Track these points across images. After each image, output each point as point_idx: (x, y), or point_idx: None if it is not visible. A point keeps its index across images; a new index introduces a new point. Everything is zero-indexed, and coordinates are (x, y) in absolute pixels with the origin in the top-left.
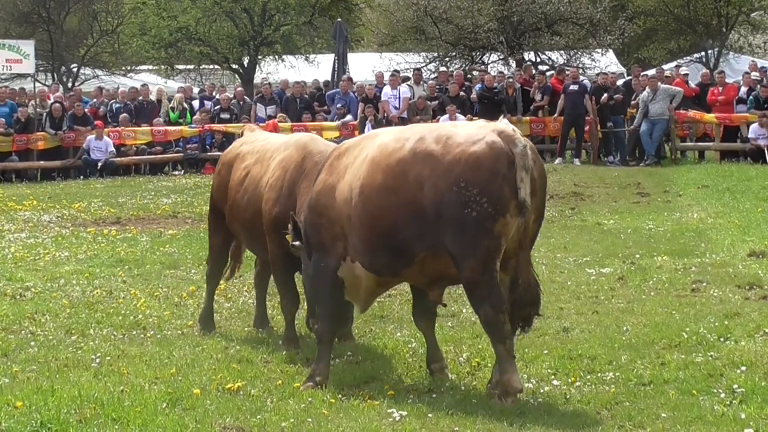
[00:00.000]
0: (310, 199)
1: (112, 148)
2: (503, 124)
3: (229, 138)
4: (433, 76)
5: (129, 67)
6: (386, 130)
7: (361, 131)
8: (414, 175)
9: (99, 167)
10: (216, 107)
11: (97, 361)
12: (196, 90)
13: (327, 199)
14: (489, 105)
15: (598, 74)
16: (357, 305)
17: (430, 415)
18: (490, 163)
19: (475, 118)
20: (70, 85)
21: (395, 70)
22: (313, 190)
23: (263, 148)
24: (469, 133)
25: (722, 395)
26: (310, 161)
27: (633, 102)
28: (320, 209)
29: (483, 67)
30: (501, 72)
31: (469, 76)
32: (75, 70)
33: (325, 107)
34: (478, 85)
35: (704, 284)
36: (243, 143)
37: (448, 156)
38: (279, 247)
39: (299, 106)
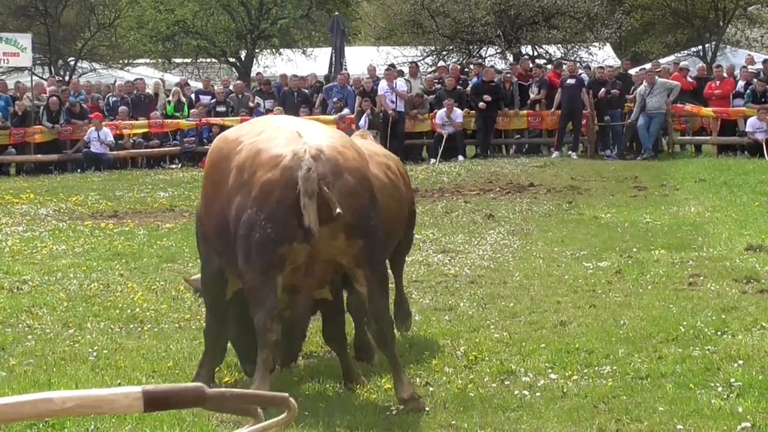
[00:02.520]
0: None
1: (111, 139)
2: (309, 143)
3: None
4: (430, 70)
5: (126, 61)
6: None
7: (358, 125)
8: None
9: (101, 158)
10: (212, 100)
11: (94, 354)
12: (194, 84)
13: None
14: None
15: (596, 68)
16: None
17: (427, 408)
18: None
19: (472, 112)
20: (67, 78)
21: (391, 64)
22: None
23: None
24: (273, 155)
25: (719, 389)
26: None
27: (630, 96)
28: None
29: (480, 61)
30: (492, 66)
31: (466, 69)
32: (72, 63)
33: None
34: (474, 79)
35: (701, 278)
36: None
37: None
38: None
39: (296, 99)
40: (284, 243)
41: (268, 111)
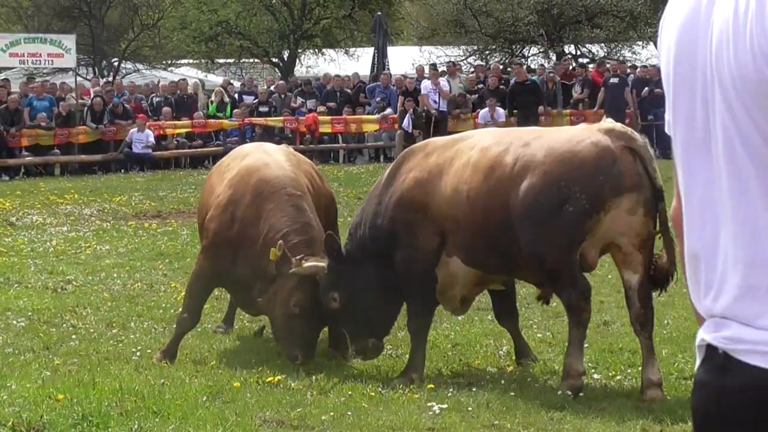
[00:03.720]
0: (399, 197)
1: (152, 140)
2: (609, 122)
3: (268, 131)
4: (472, 70)
5: (169, 61)
6: (482, 132)
7: (401, 125)
8: (520, 183)
9: (139, 158)
10: (255, 100)
11: (138, 354)
12: (237, 84)
13: (422, 197)
14: (525, 97)
15: (640, 67)
16: (448, 306)
17: (470, 408)
18: (593, 162)
19: (515, 111)
20: (110, 79)
21: (432, 64)
22: (398, 188)
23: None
24: (572, 135)
25: None
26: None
27: None
28: (415, 205)
29: (521, 60)
30: (542, 65)
31: (508, 69)
32: (116, 64)
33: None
34: (514, 78)
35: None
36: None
37: (550, 158)
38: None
39: (339, 99)
40: (594, 214)
41: (311, 111)
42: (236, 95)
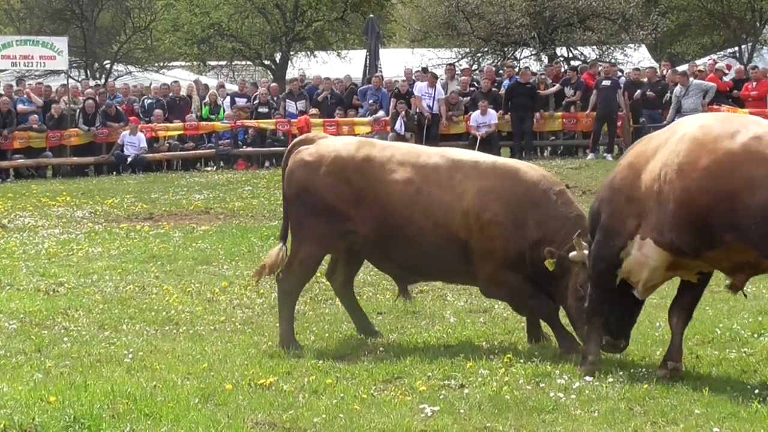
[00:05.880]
0: (611, 179)
1: (144, 144)
2: None
3: (261, 134)
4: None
5: (162, 63)
6: (696, 116)
7: (393, 127)
8: (745, 173)
9: (129, 162)
10: (255, 102)
11: (130, 356)
12: (229, 87)
13: (631, 179)
14: (521, 99)
15: (633, 69)
16: (637, 289)
17: (462, 410)
18: None
19: (506, 115)
20: (102, 81)
21: (424, 68)
22: (616, 171)
23: (425, 164)
24: None
25: (756, 391)
26: (536, 191)
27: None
28: (621, 187)
29: (513, 63)
30: (527, 68)
31: (500, 71)
32: (108, 66)
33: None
34: (506, 81)
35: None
36: (361, 145)
37: None
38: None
39: (330, 101)
40: None
41: (302, 113)
42: (228, 97)
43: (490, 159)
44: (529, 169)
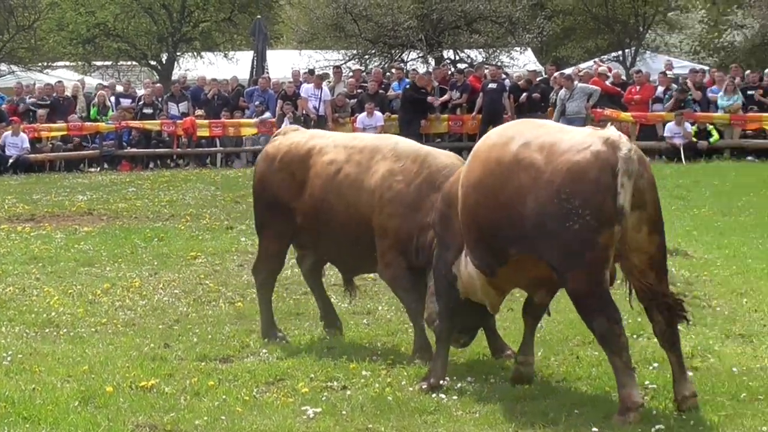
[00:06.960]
0: (442, 191)
1: (27, 145)
2: (609, 130)
3: (146, 135)
4: (350, 74)
5: (46, 63)
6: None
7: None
8: (514, 182)
9: (9, 164)
10: (140, 103)
11: (9, 359)
12: (119, 88)
13: (454, 192)
14: (415, 104)
15: (521, 75)
16: (487, 305)
17: (344, 412)
18: (594, 174)
19: (393, 116)
20: None
21: (310, 70)
22: (449, 182)
23: (354, 146)
24: (574, 142)
25: None
26: (439, 176)
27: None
28: (449, 200)
29: (401, 65)
30: (428, 72)
31: (387, 74)
32: None
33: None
34: (396, 83)
35: (618, 281)
36: (311, 137)
37: (550, 166)
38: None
39: (216, 102)
40: (605, 228)
41: (184, 114)
42: (113, 98)
43: (410, 143)
44: (441, 154)
